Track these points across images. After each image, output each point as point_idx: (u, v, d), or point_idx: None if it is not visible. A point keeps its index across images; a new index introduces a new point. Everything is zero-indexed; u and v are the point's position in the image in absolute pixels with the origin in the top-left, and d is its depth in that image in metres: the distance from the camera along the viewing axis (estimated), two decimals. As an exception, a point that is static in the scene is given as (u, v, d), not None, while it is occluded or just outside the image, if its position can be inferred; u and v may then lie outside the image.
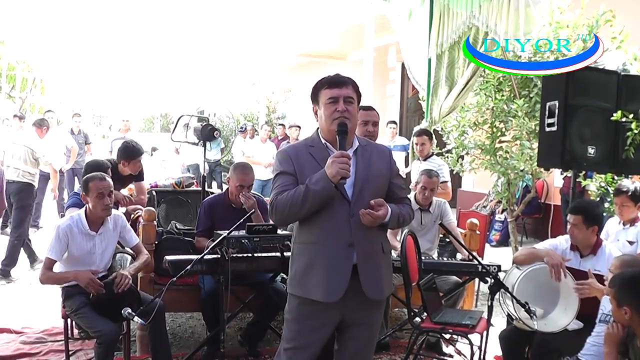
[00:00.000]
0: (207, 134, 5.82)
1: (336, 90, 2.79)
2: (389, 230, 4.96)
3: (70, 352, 4.28)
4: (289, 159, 2.84)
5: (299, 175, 2.80)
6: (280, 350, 2.94)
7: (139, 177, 5.60)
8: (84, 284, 3.80)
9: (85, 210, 4.03)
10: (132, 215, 5.16)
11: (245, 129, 13.37)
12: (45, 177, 9.69)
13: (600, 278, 3.52)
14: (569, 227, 3.85)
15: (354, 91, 2.84)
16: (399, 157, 9.42)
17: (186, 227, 5.21)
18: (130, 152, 5.43)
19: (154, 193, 6.00)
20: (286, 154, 2.88)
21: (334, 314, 2.82)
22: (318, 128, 2.93)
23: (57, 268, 3.98)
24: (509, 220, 7.35)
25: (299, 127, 12.13)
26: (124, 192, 5.58)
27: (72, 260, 3.96)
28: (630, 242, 4.46)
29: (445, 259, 5.13)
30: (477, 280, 5.23)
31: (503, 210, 9.25)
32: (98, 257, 4.04)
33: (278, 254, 4.03)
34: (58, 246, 3.90)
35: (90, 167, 4.92)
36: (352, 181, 2.78)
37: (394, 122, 10.72)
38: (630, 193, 4.39)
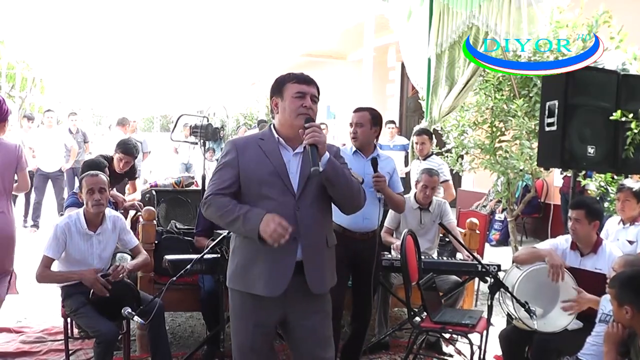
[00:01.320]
0: (211, 133, 5.83)
1: (304, 86, 2.80)
2: (384, 229, 5.03)
3: (70, 352, 4.28)
4: (234, 151, 2.83)
5: (242, 169, 2.78)
6: (233, 350, 2.92)
7: (132, 174, 5.94)
8: (89, 283, 3.80)
9: (84, 210, 4.03)
10: (132, 217, 5.17)
11: (240, 128, 13.41)
12: (44, 177, 9.74)
13: (602, 277, 3.52)
14: (570, 223, 3.84)
15: (318, 93, 2.86)
16: (398, 157, 9.40)
17: (186, 227, 5.21)
18: (126, 148, 5.70)
19: (154, 192, 6.00)
20: (233, 145, 2.87)
21: (276, 309, 2.80)
22: (271, 124, 2.93)
23: (55, 268, 3.98)
24: (508, 219, 7.35)
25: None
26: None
27: (69, 259, 3.95)
28: (630, 242, 4.47)
29: (445, 258, 5.13)
30: (476, 279, 5.24)
31: (503, 210, 9.26)
32: (96, 258, 4.02)
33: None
34: (56, 245, 3.89)
35: (88, 165, 4.93)
36: (297, 175, 2.79)
37: (393, 122, 10.71)
38: (634, 189, 4.41)
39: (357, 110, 4.21)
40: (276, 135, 2.85)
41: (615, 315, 2.89)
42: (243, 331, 2.85)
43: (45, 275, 3.91)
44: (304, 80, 2.82)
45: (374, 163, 3.99)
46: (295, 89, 2.78)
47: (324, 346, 2.89)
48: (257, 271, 2.75)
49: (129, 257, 4.38)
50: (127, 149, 5.70)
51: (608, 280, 3.28)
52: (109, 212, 4.15)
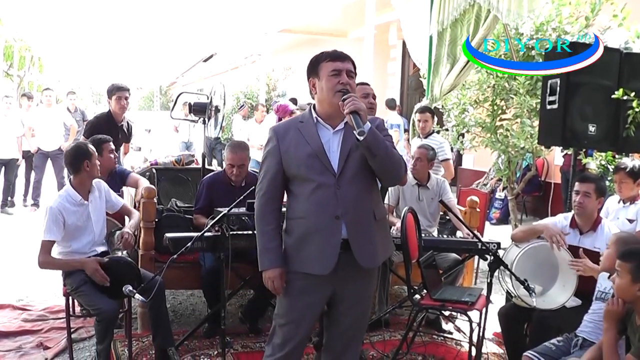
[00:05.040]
0: (209, 111, 5.80)
1: (339, 63, 2.79)
2: (386, 206, 5.04)
3: (72, 330, 4.31)
4: (275, 139, 2.87)
5: (283, 155, 2.83)
6: (275, 327, 2.97)
7: (128, 136, 6.51)
8: (90, 273, 3.80)
9: (70, 182, 4.03)
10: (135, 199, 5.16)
11: (243, 107, 13.37)
12: (44, 156, 9.73)
13: (598, 255, 3.53)
14: (578, 196, 3.81)
15: (354, 67, 2.86)
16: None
17: (186, 205, 5.20)
18: (118, 86, 6.13)
19: (154, 171, 5.99)
20: (274, 133, 2.91)
21: (326, 287, 2.86)
22: (312, 104, 2.93)
23: (57, 245, 3.98)
24: (509, 198, 7.36)
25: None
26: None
27: (70, 234, 3.94)
28: (630, 220, 4.48)
29: (445, 236, 5.14)
30: (476, 257, 5.24)
31: (503, 188, 9.25)
32: (95, 225, 4.04)
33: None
34: (55, 227, 3.84)
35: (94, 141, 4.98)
36: (337, 153, 2.81)
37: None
38: (628, 169, 4.41)
39: (363, 83, 4.26)
40: (315, 116, 2.86)
41: (623, 290, 2.79)
42: (293, 308, 2.90)
43: (47, 262, 3.87)
44: (338, 57, 2.82)
45: (382, 123, 4.12)
46: (331, 67, 2.78)
47: (361, 319, 3.02)
48: (307, 251, 2.82)
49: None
50: (119, 85, 6.09)
51: (601, 259, 3.28)
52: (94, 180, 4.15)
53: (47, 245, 3.86)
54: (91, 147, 4.09)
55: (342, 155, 2.80)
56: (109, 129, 5.73)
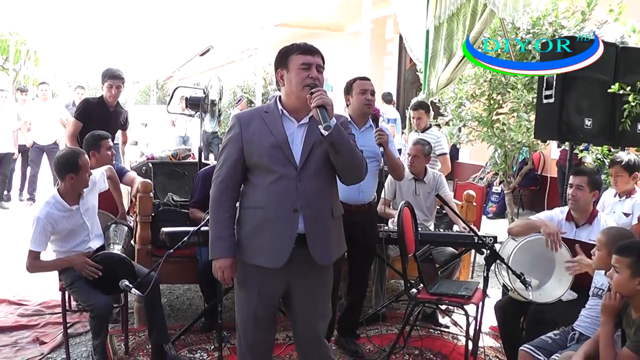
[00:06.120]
0: (205, 106, 5.80)
1: (309, 57, 2.78)
2: (381, 200, 5.05)
3: (68, 324, 4.29)
4: (237, 126, 2.84)
5: (245, 143, 2.80)
6: (237, 323, 2.96)
7: (124, 124, 6.27)
8: (78, 268, 3.78)
9: (58, 189, 3.93)
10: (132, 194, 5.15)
11: (240, 101, 13.35)
12: (39, 149, 9.71)
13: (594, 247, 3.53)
14: (571, 190, 3.82)
15: (323, 62, 2.85)
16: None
17: (183, 199, 5.20)
18: (112, 73, 5.90)
19: (151, 165, 5.99)
20: (237, 120, 2.87)
21: (279, 281, 2.83)
22: (277, 96, 2.91)
23: (50, 249, 3.96)
24: (505, 192, 7.36)
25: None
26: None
27: (64, 236, 3.92)
28: (626, 214, 4.49)
29: (441, 230, 5.14)
30: (473, 251, 5.26)
31: (500, 182, 9.27)
32: (89, 224, 4.02)
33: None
34: (41, 238, 3.79)
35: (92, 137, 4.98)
36: (300, 146, 2.79)
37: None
38: (624, 163, 4.42)
39: (363, 78, 4.24)
40: (280, 107, 2.84)
41: (622, 285, 2.77)
42: (247, 301, 2.88)
43: (34, 265, 3.85)
44: (309, 50, 2.80)
45: (375, 118, 4.13)
46: (301, 61, 2.76)
47: (321, 317, 2.94)
48: (259, 243, 2.78)
49: (125, 228, 4.38)
50: (113, 73, 5.88)
51: (594, 252, 3.26)
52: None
53: (33, 254, 3.82)
54: (83, 159, 3.91)
55: (305, 148, 2.78)
56: (99, 114, 5.76)
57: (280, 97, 2.89)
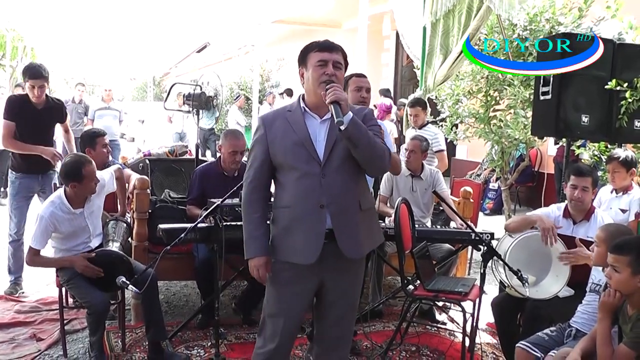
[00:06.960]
0: (204, 102, 5.80)
1: (326, 54, 2.79)
2: (378, 197, 5.05)
3: (65, 321, 4.31)
4: (262, 127, 2.89)
5: (270, 143, 2.84)
6: (264, 318, 2.96)
7: (61, 116, 5.37)
8: (80, 270, 3.79)
9: (65, 191, 3.96)
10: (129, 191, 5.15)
11: (239, 97, 13.35)
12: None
13: (591, 244, 3.53)
14: (576, 191, 3.79)
15: (343, 58, 2.85)
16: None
17: (180, 196, 5.20)
18: (32, 71, 5.04)
19: (147, 162, 5.98)
20: (262, 122, 2.93)
21: (312, 278, 2.85)
22: (302, 94, 2.93)
23: (50, 247, 3.97)
24: (502, 188, 7.37)
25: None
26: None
27: (66, 236, 3.96)
28: (623, 210, 4.49)
29: (438, 227, 5.15)
30: (470, 248, 5.26)
31: (497, 179, 9.29)
32: (91, 228, 4.06)
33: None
34: (42, 236, 3.85)
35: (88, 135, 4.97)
36: (324, 142, 2.81)
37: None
38: (621, 159, 4.42)
39: (360, 75, 4.24)
40: (302, 105, 2.87)
41: (623, 283, 2.75)
42: (279, 298, 2.90)
43: (35, 261, 3.93)
44: (326, 47, 2.81)
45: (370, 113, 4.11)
46: (317, 58, 2.78)
47: (350, 311, 3.00)
48: (291, 241, 2.82)
49: (123, 225, 4.38)
50: (34, 72, 5.01)
51: (592, 248, 3.27)
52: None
53: (33, 251, 3.87)
54: (87, 169, 3.88)
55: (328, 144, 2.80)
56: (23, 113, 5.09)
57: (303, 95, 2.91)
